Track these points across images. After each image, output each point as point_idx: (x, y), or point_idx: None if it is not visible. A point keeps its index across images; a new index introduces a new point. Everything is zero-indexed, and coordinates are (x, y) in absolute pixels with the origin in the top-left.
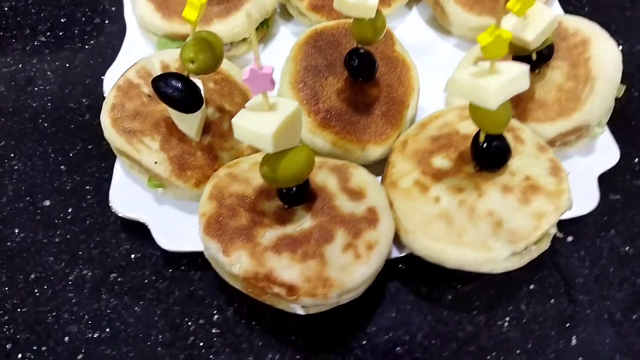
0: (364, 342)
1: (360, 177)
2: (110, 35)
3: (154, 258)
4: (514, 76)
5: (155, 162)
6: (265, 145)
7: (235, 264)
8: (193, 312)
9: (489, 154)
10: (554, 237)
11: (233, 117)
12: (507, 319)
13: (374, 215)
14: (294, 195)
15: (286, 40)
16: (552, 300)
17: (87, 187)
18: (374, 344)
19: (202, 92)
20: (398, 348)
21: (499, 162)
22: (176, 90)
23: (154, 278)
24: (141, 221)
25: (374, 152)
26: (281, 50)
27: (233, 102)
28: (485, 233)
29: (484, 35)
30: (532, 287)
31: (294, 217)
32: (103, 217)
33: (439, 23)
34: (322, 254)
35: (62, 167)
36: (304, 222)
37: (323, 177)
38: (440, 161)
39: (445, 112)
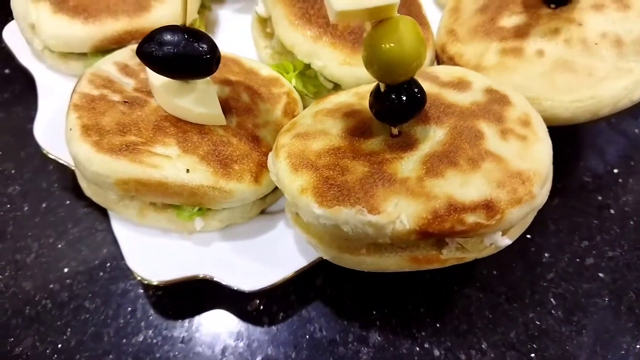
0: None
1: (446, 70)
2: (6, 105)
3: (238, 320)
4: None
5: (188, 171)
6: None
7: (397, 215)
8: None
9: None
10: None
11: (246, 86)
12: None
13: (497, 94)
14: (415, 91)
15: (232, 18)
16: None
17: (88, 295)
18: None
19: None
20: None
21: None
22: (183, 45)
23: (257, 346)
24: (200, 276)
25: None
26: (233, 29)
27: (233, 72)
28: (612, 58)
29: None
30: None
31: (416, 136)
32: (138, 316)
33: None
34: (488, 151)
35: (25, 283)
36: (435, 134)
37: None
38: (510, 20)
39: None
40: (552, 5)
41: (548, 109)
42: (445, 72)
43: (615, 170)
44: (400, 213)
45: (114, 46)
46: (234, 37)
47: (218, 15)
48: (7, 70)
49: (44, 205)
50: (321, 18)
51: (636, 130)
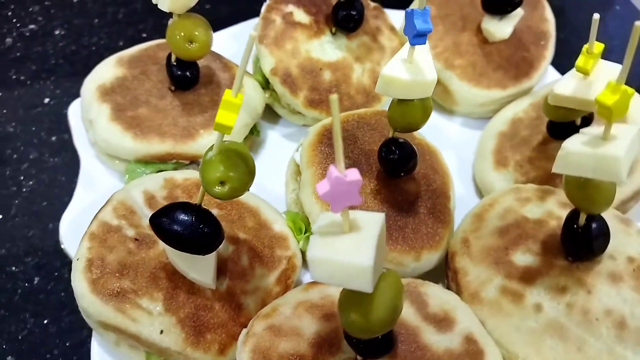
0: None
1: (439, 297)
2: (55, 170)
3: None
4: (631, 138)
5: (162, 332)
6: (361, 283)
7: None
8: None
9: (590, 239)
10: None
11: (250, 247)
12: None
13: (475, 346)
14: (380, 343)
15: (278, 145)
16: None
17: None
18: None
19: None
20: None
21: (602, 246)
22: (190, 228)
23: None
24: None
25: (430, 259)
26: (275, 157)
27: (246, 228)
28: (609, 339)
29: (605, 94)
30: None
31: None
32: None
33: (440, 104)
34: None
35: (9, 358)
36: None
37: None
38: (523, 257)
39: (498, 197)
40: (570, 258)
41: None
42: (440, 299)
43: None
44: None
45: (156, 161)
46: (272, 164)
47: (267, 135)
48: (66, 136)
49: None
50: None
51: None
